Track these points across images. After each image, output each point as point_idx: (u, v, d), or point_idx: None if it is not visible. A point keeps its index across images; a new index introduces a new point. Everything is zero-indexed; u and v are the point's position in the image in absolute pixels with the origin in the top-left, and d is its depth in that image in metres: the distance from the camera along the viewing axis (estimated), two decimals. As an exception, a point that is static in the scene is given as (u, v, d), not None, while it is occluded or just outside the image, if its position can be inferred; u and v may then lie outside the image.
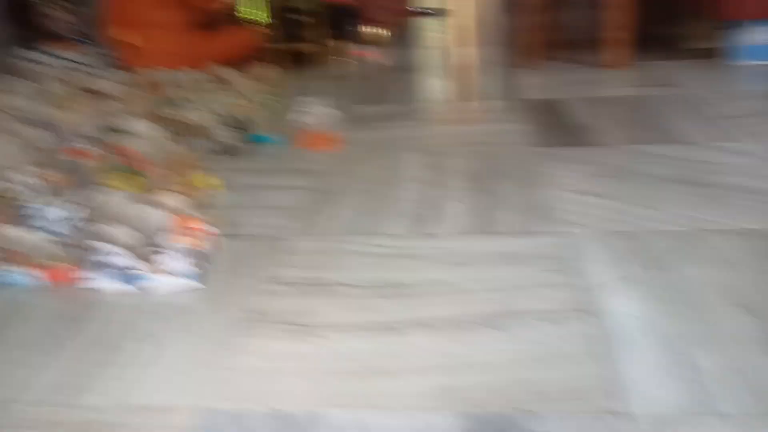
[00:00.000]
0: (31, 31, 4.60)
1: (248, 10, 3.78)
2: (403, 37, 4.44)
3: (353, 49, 3.89)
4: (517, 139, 2.27)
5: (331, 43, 3.94)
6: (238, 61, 3.40)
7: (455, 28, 4.88)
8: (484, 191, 1.86)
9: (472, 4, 4.65)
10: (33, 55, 3.51)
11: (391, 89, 3.08)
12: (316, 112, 2.36)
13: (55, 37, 4.37)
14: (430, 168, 2.07)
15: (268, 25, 3.62)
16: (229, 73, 3.05)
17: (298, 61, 3.77)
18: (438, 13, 5.27)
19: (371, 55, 3.85)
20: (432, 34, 4.66)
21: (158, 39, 3.19)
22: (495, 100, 2.84)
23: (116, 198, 1.72)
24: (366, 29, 4.18)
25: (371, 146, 2.30)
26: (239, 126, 2.35)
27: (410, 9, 5.37)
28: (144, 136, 2.16)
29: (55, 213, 1.65)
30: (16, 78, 3.13)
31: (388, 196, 1.88)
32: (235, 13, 4.05)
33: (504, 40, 3.94)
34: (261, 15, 3.82)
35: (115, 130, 2.20)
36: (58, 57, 3.49)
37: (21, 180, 1.82)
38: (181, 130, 2.31)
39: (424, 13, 5.27)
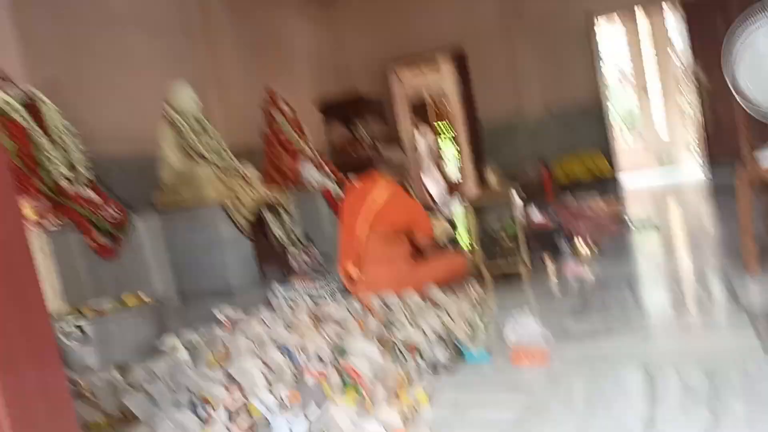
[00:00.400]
0: (278, 269, 5.34)
1: (457, 236, 4.09)
2: (611, 251, 4.45)
3: (560, 265, 3.98)
4: (745, 353, 2.09)
5: (538, 261, 4.08)
6: (449, 283, 3.65)
7: (666, 239, 4.80)
8: (713, 413, 1.69)
9: (682, 215, 4.59)
10: (279, 288, 4.01)
11: (601, 303, 3.04)
12: (524, 328, 2.43)
13: (297, 273, 5.01)
14: (651, 386, 1.95)
15: (474, 249, 3.86)
16: (440, 295, 3.27)
17: (505, 279, 3.93)
18: (648, 225, 5.25)
19: (579, 270, 3.88)
20: (642, 246, 4.62)
21: (381, 270, 3.55)
22: (714, 310, 2.71)
23: (343, 412, 1.88)
24: (573, 245, 4.28)
25: (583, 362, 2.25)
26: (450, 344, 2.48)
27: (618, 223, 5.41)
28: (365, 355, 2.37)
29: (298, 427, 1.84)
30: (266, 308, 3.61)
31: (609, 417, 1.78)
32: (446, 241, 4.43)
33: (718, 249, 3.80)
34: (468, 239, 4.11)
35: (342, 351, 2.44)
36: (298, 290, 3.94)
37: (265, 397, 2.07)
38: (397, 349, 2.50)
39: (633, 227, 5.27)
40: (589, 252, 4.24)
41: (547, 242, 4.31)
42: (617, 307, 2.94)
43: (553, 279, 3.79)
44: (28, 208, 3.56)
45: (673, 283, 3.33)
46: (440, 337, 2.49)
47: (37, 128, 4.03)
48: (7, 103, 3.93)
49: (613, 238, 4.92)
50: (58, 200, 3.91)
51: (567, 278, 3.76)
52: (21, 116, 3.95)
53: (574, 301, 3.16)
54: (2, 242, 1.00)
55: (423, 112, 13.16)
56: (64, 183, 4.02)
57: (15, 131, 3.86)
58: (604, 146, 10.04)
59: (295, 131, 7.07)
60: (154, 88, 6.39)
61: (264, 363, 2.42)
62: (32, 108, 4.14)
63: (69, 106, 4.93)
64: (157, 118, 5.67)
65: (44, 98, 4.23)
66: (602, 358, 2.27)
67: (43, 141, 4.05)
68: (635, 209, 7.12)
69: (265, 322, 3.19)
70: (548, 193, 9.97)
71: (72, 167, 4.21)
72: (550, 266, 3.89)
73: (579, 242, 4.27)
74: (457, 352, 2.48)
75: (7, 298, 0.99)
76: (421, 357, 2.45)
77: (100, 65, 6.20)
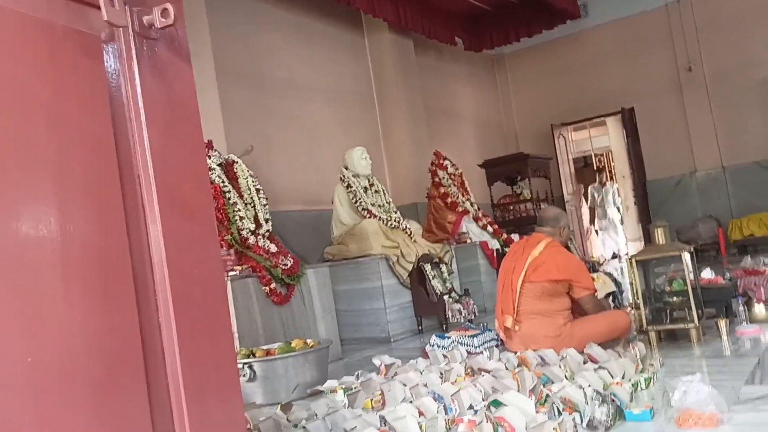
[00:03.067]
0: (435, 319, 5.32)
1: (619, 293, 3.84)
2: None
3: (733, 327, 3.58)
4: None
5: (710, 321, 3.70)
6: (610, 340, 3.41)
7: None
8: None
9: None
10: (435, 338, 3.98)
11: (782, 369, 2.69)
12: (694, 390, 2.19)
13: (453, 324, 4.95)
14: None
15: (639, 306, 3.60)
16: (600, 351, 3.06)
17: (672, 338, 3.61)
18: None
19: (754, 332, 3.47)
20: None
21: (538, 323, 3.41)
22: None
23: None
24: (748, 305, 3.85)
25: (759, 429, 2.00)
26: (610, 402, 2.29)
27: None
28: (519, 408, 2.25)
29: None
30: (422, 357, 3.59)
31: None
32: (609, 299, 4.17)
33: None
34: (632, 296, 3.84)
35: (496, 403, 2.34)
36: (454, 341, 3.88)
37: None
38: (552, 404, 2.35)
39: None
40: (766, 313, 3.78)
41: (719, 301, 3.91)
42: (802, 373, 2.58)
43: (726, 340, 3.41)
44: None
45: None
46: (599, 394, 2.31)
47: (230, 186, 4.38)
48: (207, 165, 4.32)
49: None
50: (241, 250, 4.19)
51: (741, 340, 3.38)
52: (216, 176, 4.32)
53: (752, 364, 2.81)
54: (205, 286, 1.07)
55: (588, 172, 12.81)
56: (248, 235, 4.31)
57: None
58: (788, 207, 9.07)
59: (458, 188, 7.13)
60: (331, 152, 6.85)
61: (417, 409, 2.38)
62: (229, 168, 4.51)
63: (258, 168, 5.37)
64: (332, 179, 6.03)
65: (239, 160, 4.60)
66: (782, 427, 1.99)
67: (235, 198, 4.38)
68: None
69: (419, 371, 3.16)
70: (722, 252, 9.15)
71: (256, 221, 4.50)
72: (723, 326, 3.50)
73: (756, 302, 3.83)
74: (617, 411, 2.28)
75: (204, 335, 1.05)
76: (579, 413, 2.28)
77: (287, 132, 6.77)
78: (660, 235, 3.67)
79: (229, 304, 1.18)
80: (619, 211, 9.69)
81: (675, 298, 3.59)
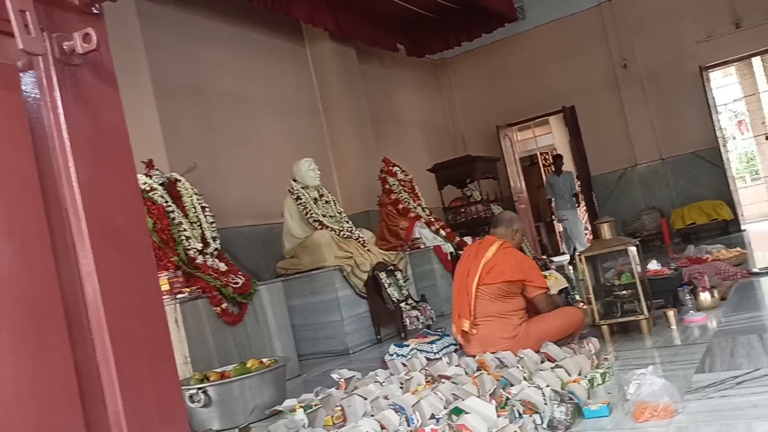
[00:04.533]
0: (393, 328, 5.31)
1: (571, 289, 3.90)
2: (736, 299, 4.08)
3: (681, 315, 3.68)
4: None
5: (658, 311, 3.80)
6: (565, 338, 3.46)
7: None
8: None
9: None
10: (394, 348, 3.96)
11: (727, 355, 2.77)
12: (646, 383, 2.23)
13: (411, 332, 4.95)
14: None
15: (590, 301, 3.66)
16: (556, 350, 3.09)
17: (623, 331, 3.68)
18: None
19: (701, 320, 3.57)
20: (773, 292, 4.20)
21: (494, 325, 3.43)
22: None
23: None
24: (695, 294, 3.96)
25: (711, 415, 2.05)
26: (568, 401, 2.31)
27: (743, 270, 4.98)
28: (480, 414, 2.25)
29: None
30: (382, 368, 3.56)
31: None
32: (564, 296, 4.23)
33: None
34: (583, 291, 3.90)
35: (457, 411, 2.34)
36: (413, 348, 3.87)
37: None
38: (512, 407, 2.36)
39: (758, 274, 4.83)
40: (712, 300, 3.90)
41: (667, 292, 4.02)
42: (745, 357, 2.66)
43: (675, 329, 3.50)
44: (164, 281, 3.75)
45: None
46: (557, 394, 2.33)
47: (174, 206, 4.28)
48: (149, 185, 4.21)
49: (738, 286, 4.52)
50: (189, 271, 4.10)
51: (689, 328, 3.47)
52: (159, 195, 4.22)
53: (699, 352, 2.89)
54: (144, 319, 1.03)
55: (534, 171, 13.04)
56: (195, 255, 4.21)
57: (152, 209, 4.12)
58: (724, 194, 9.42)
59: (409, 194, 7.16)
60: (278, 164, 6.78)
61: (379, 423, 2.36)
62: (172, 187, 4.41)
63: (204, 185, 5.27)
64: (280, 191, 5.97)
65: (182, 179, 4.50)
66: (731, 411, 2.06)
67: (179, 217, 4.28)
68: (760, 255, 6.55)
69: (379, 382, 3.15)
70: (666, 242, 9.43)
71: (203, 240, 4.41)
72: (671, 316, 3.60)
73: (701, 291, 3.94)
74: (576, 409, 2.31)
75: (146, 370, 1.01)
76: (539, 414, 2.30)
77: (232, 146, 6.66)
78: (606, 231, 3.75)
79: (170, 334, 1.13)
80: (576, 200, 9.79)
81: (624, 291, 3.66)
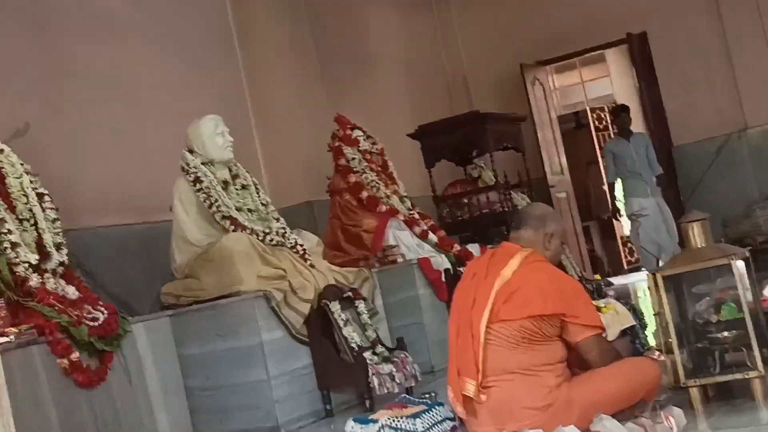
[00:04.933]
0: (352, 392, 5.27)
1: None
2: None
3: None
4: None
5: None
6: (630, 407, 3.43)
7: None
8: None
9: None
10: (354, 425, 3.91)
11: None
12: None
13: (383, 398, 4.92)
14: None
15: (671, 347, 3.65)
16: (615, 428, 3.06)
17: (724, 395, 3.69)
18: None
19: None
20: None
21: (516, 388, 3.40)
22: None
23: None
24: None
25: None
26: None
27: None
28: None
29: None
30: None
31: None
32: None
33: None
34: (660, 332, 3.89)
35: None
36: (384, 426, 3.82)
37: None
38: None
39: None
40: None
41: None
42: None
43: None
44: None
45: None
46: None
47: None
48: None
49: None
50: (17, 299, 4.00)
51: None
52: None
53: None
54: None
55: (583, 138, 13.05)
56: (28, 274, 4.11)
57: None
58: None
59: (379, 174, 7.11)
60: (164, 127, 6.72)
61: None
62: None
63: (42, 160, 5.15)
64: (168, 171, 5.93)
65: (5, 148, 4.42)
66: None
67: (2, 212, 4.18)
68: None
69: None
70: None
71: (41, 249, 4.31)
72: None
73: None
74: None
75: None
76: None
77: (89, 98, 6.52)
78: (697, 235, 3.74)
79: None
80: (661, 181, 9.47)
81: (726, 333, 3.65)
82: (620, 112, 9.78)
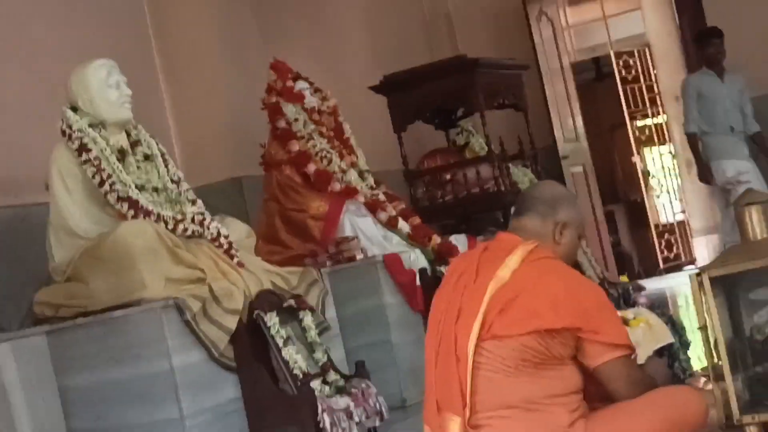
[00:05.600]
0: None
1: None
2: None
3: None
4: None
5: None
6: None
7: None
8: None
9: None
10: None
11: None
12: None
13: None
14: None
15: (722, 371, 3.68)
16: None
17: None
18: None
19: None
20: None
21: (515, 426, 3.43)
22: None
23: None
24: None
25: None
26: None
27: None
28: None
29: None
30: None
31: None
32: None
33: None
34: (707, 352, 3.93)
35: None
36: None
37: None
38: None
39: None
40: None
41: None
42: None
43: None
44: None
45: None
46: None
47: None
48: None
49: None
50: None
51: None
52: None
53: None
54: None
55: (603, 91, 13.11)
56: None
57: None
58: None
59: (331, 141, 7.12)
60: (41, 79, 6.65)
61: None
62: None
63: None
64: (40, 137, 5.94)
65: None
66: None
67: None
68: None
69: None
70: None
71: None
72: None
73: None
74: None
75: None
76: None
77: None
78: (756, 222, 3.76)
79: None
80: (758, 140, 9.31)
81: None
82: (710, 37, 9.56)
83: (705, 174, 9.39)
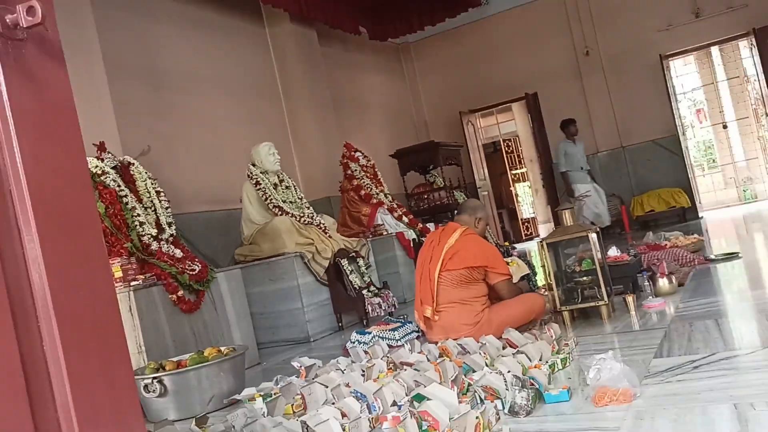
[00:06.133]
0: (355, 315, 5.31)
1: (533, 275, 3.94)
2: (694, 285, 4.19)
3: (640, 301, 3.77)
4: None
5: (618, 297, 3.87)
6: (526, 324, 3.51)
7: (750, 270, 4.49)
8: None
9: (766, 245, 4.30)
10: (356, 335, 3.96)
11: (684, 340, 2.84)
12: (606, 368, 2.28)
13: (374, 319, 4.96)
14: (741, 422, 1.80)
15: (551, 287, 3.71)
16: (517, 336, 3.14)
17: (584, 317, 3.75)
18: (730, 257, 4.94)
19: (659, 306, 3.66)
20: (726, 279, 4.33)
21: (456, 312, 3.45)
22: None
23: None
24: (653, 280, 4.05)
25: (668, 400, 2.10)
26: (529, 386, 2.35)
27: (701, 257, 5.12)
28: (442, 400, 2.27)
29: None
30: (343, 356, 3.56)
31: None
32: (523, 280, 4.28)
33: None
34: (544, 278, 3.95)
35: (419, 398, 2.35)
36: (375, 335, 3.88)
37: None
38: (474, 393, 2.39)
39: (715, 260, 4.97)
40: (670, 286, 4.00)
41: (626, 278, 4.10)
42: (702, 341, 2.74)
43: (634, 315, 3.58)
44: (116, 267, 3.67)
45: (761, 315, 3.07)
46: (519, 379, 2.37)
47: (126, 190, 4.19)
48: (100, 168, 4.10)
49: (695, 272, 4.65)
50: (144, 258, 4.02)
51: (648, 314, 3.56)
52: (111, 179, 4.12)
53: (659, 337, 2.96)
54: (94, 305, 1.00)
55: (497, 158, 13.14)
56: (150, 241, 4.13)
57: (104, 193, 4.01)
58: (683, 182, 9.65)
59: (371, 179, 7.14)
60: (236, 148, 6.70)
61: (340, 411, 2.35)
62: (125, 171, 4.31)
63: (159, 169, 5.16)
64: (238, 176, 5.88)
65: (135, 162, 4.40)
66: (688, 395, 2.12)
67: (133, 202, 4.18)
68: (717, 242, 6.75)
69: (341, 370, 3.14)
70: (626, 229, 9.62)
71: (158, 226, 4.32)
72: (630, 302, 3.68)
73: (659, 277, 4.04)
74: (537, 394, 2.34)
75: (96, 358, 0.99)
76: (500, 400, 2.33)
77: (188, 129, 6.54)
78: (567, 217, 3.80)
79: (122, 321, 1.10)
80: (592, 177, 9.18)
81: (585, 278, 3.72)
82: (570, 124, 9.23)
83: (570, 191, 9.20)
